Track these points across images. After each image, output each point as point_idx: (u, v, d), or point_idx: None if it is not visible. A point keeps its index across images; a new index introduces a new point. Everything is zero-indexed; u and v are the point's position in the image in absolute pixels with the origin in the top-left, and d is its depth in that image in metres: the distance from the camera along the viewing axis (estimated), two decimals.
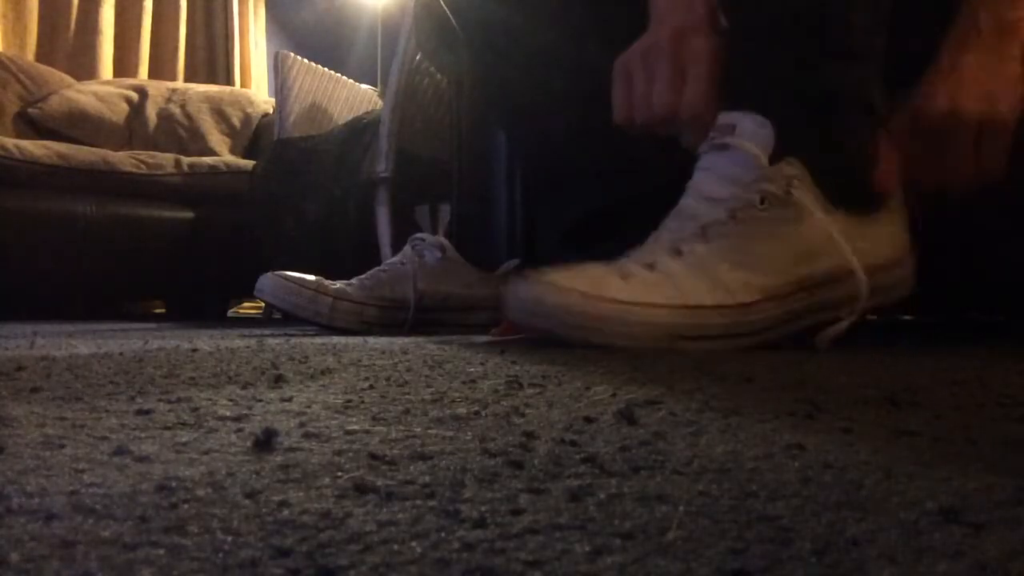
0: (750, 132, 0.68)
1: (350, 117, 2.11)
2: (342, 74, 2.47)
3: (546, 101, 0.92)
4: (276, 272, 1.11)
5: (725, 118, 0.69)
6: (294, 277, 1.10)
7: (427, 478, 0.23)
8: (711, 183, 0.69)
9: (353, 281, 1.14)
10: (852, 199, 0.70)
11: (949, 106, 0.74)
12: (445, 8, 1.02)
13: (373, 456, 0.26)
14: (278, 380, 0.46)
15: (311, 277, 1.11)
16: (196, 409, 0.36)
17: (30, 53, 2.97)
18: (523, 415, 0.34)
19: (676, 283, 0.64)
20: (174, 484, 0.22)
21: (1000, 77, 0.75)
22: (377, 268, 1.18)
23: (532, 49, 0.88)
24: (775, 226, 0.67)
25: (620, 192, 0.85)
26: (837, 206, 0.69)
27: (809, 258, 0.68)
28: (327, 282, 1.11)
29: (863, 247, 0.69)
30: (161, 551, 0.17)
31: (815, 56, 0.68)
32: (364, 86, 2.54)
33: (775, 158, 0.67)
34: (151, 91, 2.66)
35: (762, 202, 0.66)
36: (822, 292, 0.69)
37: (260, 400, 0.38)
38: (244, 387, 0.43)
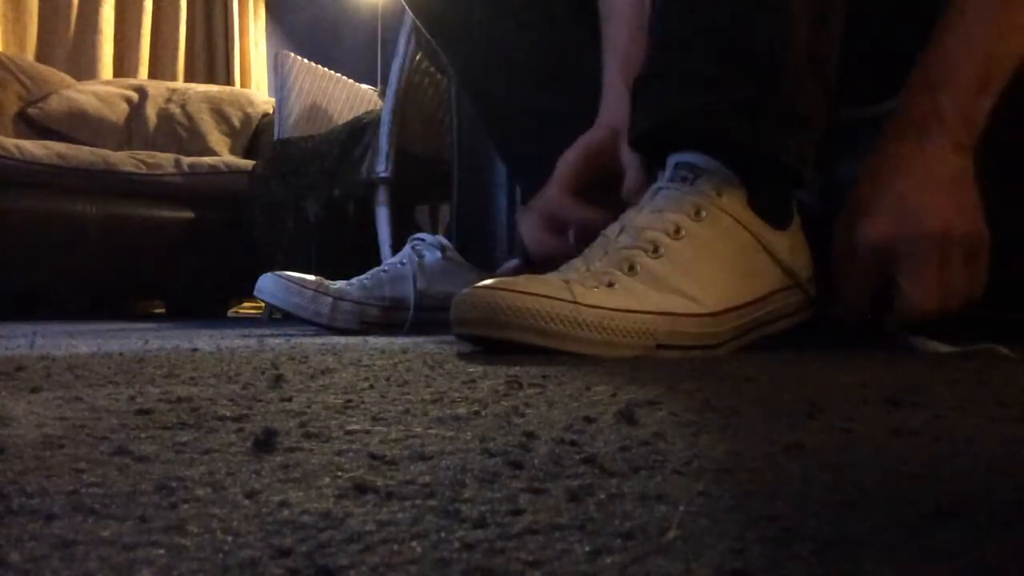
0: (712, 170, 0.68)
1: (350, 117, 2.11)
2: (342, 74, 2.47)
3: (535, 117, 0.92)
4: (276, 272, 1.11)
5: (685, 157, 0.69)
6: (294, 277, 1.10)
7: (427, 478, 0.23)
8: (658, 201, 0.69)
9: (353, 281, 1.13)
10: (779, 215, 0.71)
11: (849, 236, 0.71)
12: (415, 17, 1.03)
13: (373, 456, 0.26)
14: (278, 380, 0.46)
15: (311, 277, 1.11)
16: (196, 409, 0.36)
17: (30, 53, 2.97)
18: (523, 415, 0.34)
19: (646, 293, 0.63)
20: (174, 484, 0.22)
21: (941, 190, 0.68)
22: (377, 268, 1.17)
23: (515, 61, 0.88)
24: (718, 241, 0.67)
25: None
26: (773, 224, 0.70)
27: (758, 272, 0.69)
28: (327, 282, 1.11)
29: (800, 260, 0.72)
30: (161, 551, 0.17)
31: (750, 79, 0.67)
32: (364, 86, 2.54)
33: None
34: (151, 91, 2.66)
35: (697, 213, 0.66)
36: (775, 302, 0.70)
37: (260, 400, 0.38)
38: (244, 387, 0.43)
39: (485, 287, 0.62)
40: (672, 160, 0.70)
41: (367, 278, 1.14)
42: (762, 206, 0.69)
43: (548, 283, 0.62)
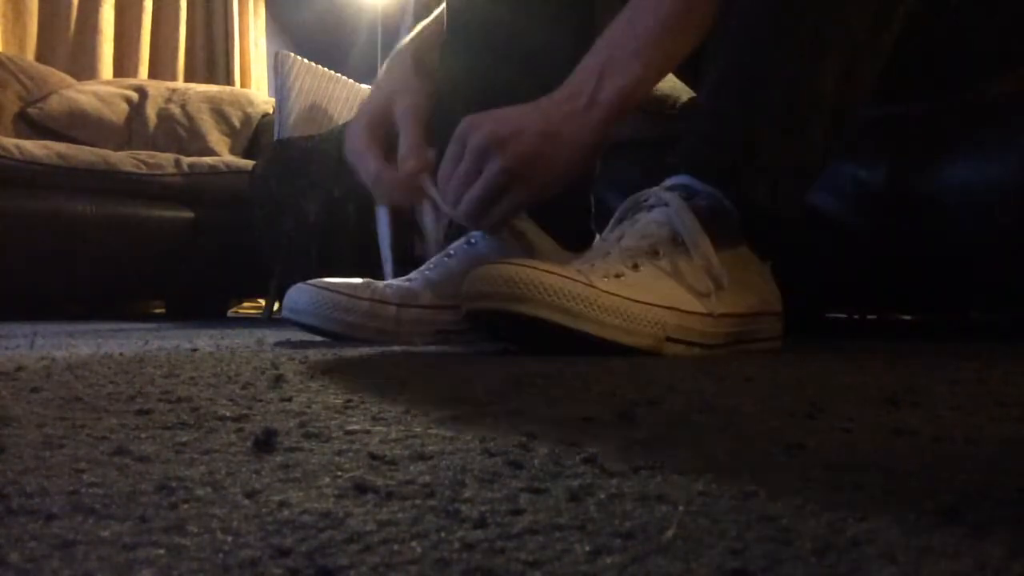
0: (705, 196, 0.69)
1: (350, 117, 2.11)
2: (342, 74, 2.47)
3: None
4: (311, 281, 0.84)
5: (682, 180, 0.70)
6: (334, 285, 0.83)
7: (427, 478, 0.23)
8: (659, 213, 0.69)
9: (413, 275, 0.88)
10: (765, 247, 0.73)
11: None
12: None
13: (373, 456, 0.26)
14: (278, 380, 0.46)
15: (354, 280, 0.85)
16: (196, 409, 0.36)
17: (30, 53, 2.97)
18: (523, 415, 0.34)
19: (654, 287, 0.64)
20: (174, 484, 0.22)
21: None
22: (439, 255, 0.88)
23: (533, 50, 0.87)
24: (721, 249, 0.68)
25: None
26: (758, 253, 0.73)
27: (751, 288, 0.70)
28: (375, 282, 0.86)
29: (776, 292, 0.74)
30: (161, 551, 0.17)
31: (783, 130, 0.68)
32: (364, 86, 2.54)
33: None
34: (151, 91, 2.66)
35: (673, 240, 0.67)
36: (760, 322, 0.72)
37: (260, 400, 0.38)
38: (244, 387, 0.43)
39: (502, 262, 0.62)
40: (671, 181, 0.71)
41: (430, 270, 0.87)
42: (751, 235, 0.71)
43: (563, 266, 0.63)
